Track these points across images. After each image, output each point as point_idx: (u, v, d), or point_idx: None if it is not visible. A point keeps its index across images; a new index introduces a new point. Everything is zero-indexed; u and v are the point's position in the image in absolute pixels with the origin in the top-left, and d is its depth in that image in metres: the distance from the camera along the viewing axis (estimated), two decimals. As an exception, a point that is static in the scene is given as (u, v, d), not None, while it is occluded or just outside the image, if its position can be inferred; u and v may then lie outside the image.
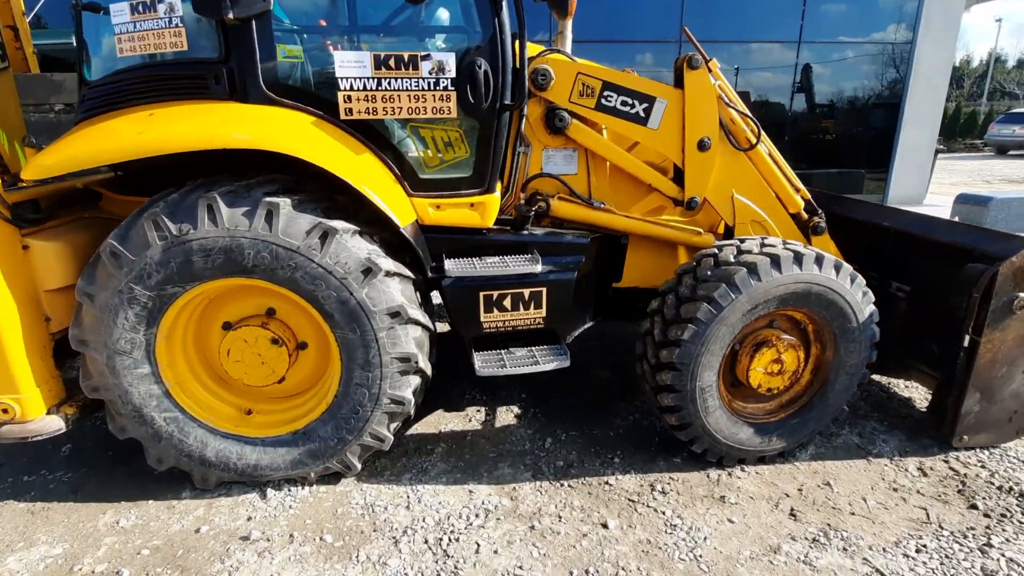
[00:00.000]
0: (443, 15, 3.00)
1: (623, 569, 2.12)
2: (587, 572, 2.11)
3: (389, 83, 2.36)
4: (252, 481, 2.59)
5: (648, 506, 2.47)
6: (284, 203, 2.20)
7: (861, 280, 2.58)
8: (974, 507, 2.43)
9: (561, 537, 2.30)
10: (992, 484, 2.58)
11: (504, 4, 2.39)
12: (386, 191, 2.42)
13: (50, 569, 2.18)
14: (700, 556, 2.18)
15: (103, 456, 2.88)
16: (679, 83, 2.82)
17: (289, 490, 2.59)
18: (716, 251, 2.62)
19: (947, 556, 2.16)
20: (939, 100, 9.36)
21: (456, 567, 2.14)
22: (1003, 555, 2.15)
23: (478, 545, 2.25)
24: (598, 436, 3.02)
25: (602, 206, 2.95)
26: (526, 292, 2.67)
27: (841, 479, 2.65)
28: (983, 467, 2.70)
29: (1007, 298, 2.51)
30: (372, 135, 2.43)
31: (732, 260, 2.51)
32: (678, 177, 3.03)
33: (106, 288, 2.20)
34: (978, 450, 2.83)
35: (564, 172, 2.97)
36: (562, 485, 2.63)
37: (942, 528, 2.32)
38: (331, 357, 2.54)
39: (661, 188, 3.00)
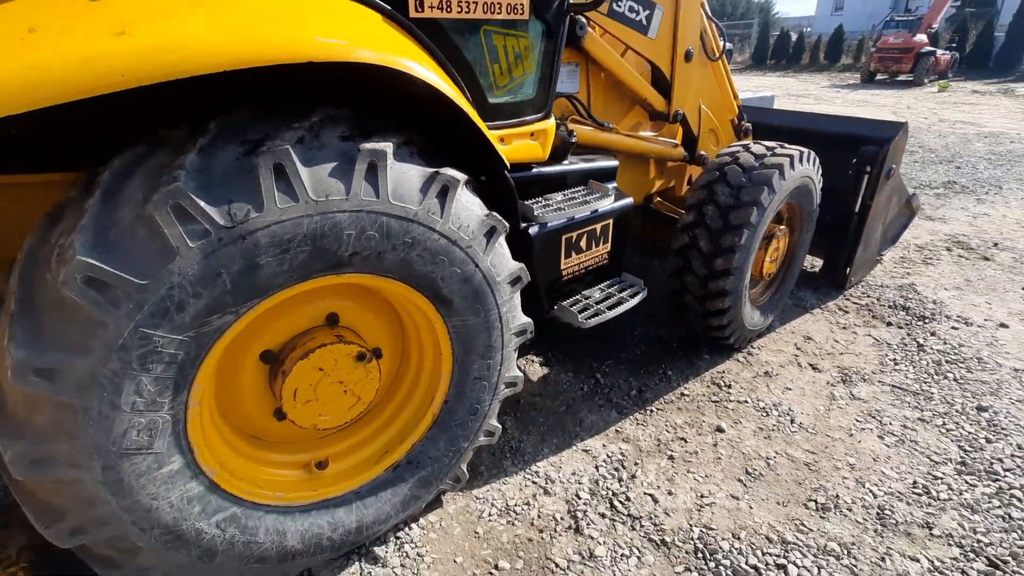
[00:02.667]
0: None
1: (769, 459, 2.33)
2: (748, 472, 2.25)
3: (465, -33, 1.69)
4: (351, 548, 1.88)
5: (732, 401, 2.71)
6: (386, 150, 1.46)
7: (819, 166, 3.11)
8: (890, 324, 3.39)
9: (702, 455, 2.36)
10: (884, 305, 3.60)
11: None
12: (471, 123, 1.82)
13: None
14: (802, 423, 2.54)
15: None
16: (673, -11, 2.76)
17: (398, 541, 1.98)
18: (730, 161, 2.80)
19: (912, 362, 3.00)
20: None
21: (656, 523, 2.02)
22: (933, 348, 3.09)
23: (652, 496, 2.15)
24: (632, 358, 3.08)
25: (611, 127, 2.79)
26: (598, 228, 2.43)
27: (811, 331, 3.34)
28: (868, 296, 3.74)
29: (887, 169, 3.39)
30: (445, 43, 1.74)
31: (755, 166, 2.72)
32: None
33: (87, 350, 1.17)
34: (856, 286, 3.88)
35: (571, 91, 2.68)
36: (652, 412, 2.65)
37: (890, 344, 3.18)
38: (420, 358, 1.94)
39: (653, 102, 2.98)
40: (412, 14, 1.62)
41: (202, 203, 1.20)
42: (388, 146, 1.46)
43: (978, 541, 1.92)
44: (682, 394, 2.77)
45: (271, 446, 1.79)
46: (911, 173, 6.90)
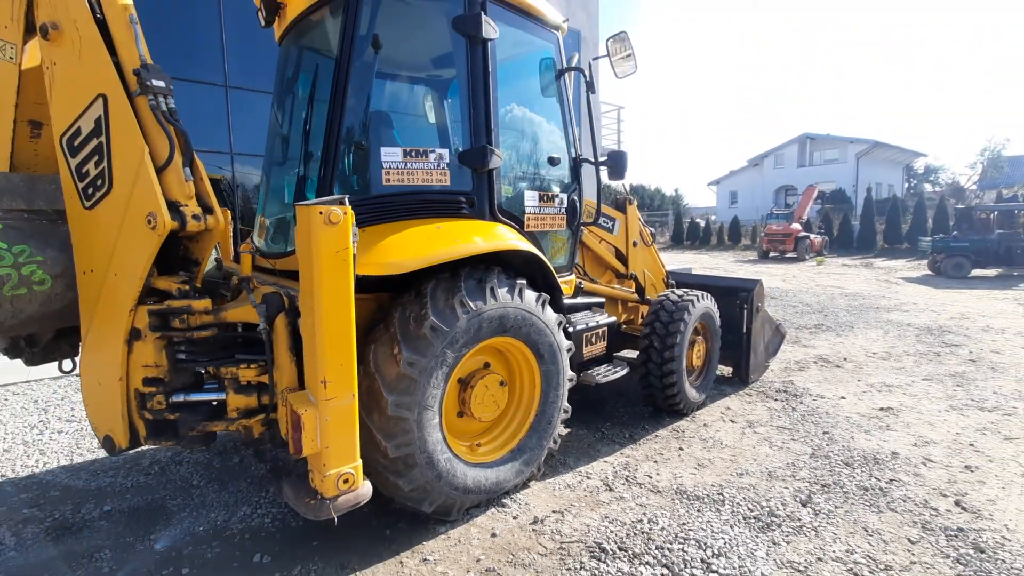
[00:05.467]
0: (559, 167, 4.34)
1: (710, 459, 4.04)
2: (700, 464, 3.94)
3: (542, 210, 3.89)
4: (491, 497, 3.38)
5: (688, 438, 4.45)
6: (523, 283, 3.43)
7: (715, 302, 5.30)
8: (774, 399, 5.35)
9: (672, 459, 4.04)
10: (773, 391, 5.59)
11: (581, 170, 4.27)
12: (545, 276, 3.85)
13: (433, 592, 2.63)
14: (727, 444, 4.29)
15: (325, 533, 3.03)
16: (623, 211, 5.18)
17: (512, 499, 3.49)
18: (665, 299, 4.94)
19: (788, 416, 4.89)
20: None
21: (652, 484, 3.64)
22: (800, 409, 5.03)
23: (648, 475, 3.78)
24: (622, 421, 4.82)
25: (597, 281, 4.95)
26: (600, 332, 4.39)
27: (730, 405, 5.22)
28: (763, 387, 5.74)
29: (756, 306, 5.66)
30: (535, 240, 3.85)
31: (678, 301, 4.88)
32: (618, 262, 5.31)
33: (425, 355, 2.94)
34: (756, 382, 5.90)
35: (576, 261, 4.86)
36: (640, 444, 4.34)
37: (776, 409, 5.09)
38: (522, 389, 3.67)
39: (618, 268, 5.21)
40: (525, 229, 3.74)
41: (469, 301, 3.09)
42: (523, 282, 3.44)
43: (818, 479, 3.66)
44: (656, 436, 4.49)
45: (452, 433, 3.39)
46: (793, 319, 9.52)
